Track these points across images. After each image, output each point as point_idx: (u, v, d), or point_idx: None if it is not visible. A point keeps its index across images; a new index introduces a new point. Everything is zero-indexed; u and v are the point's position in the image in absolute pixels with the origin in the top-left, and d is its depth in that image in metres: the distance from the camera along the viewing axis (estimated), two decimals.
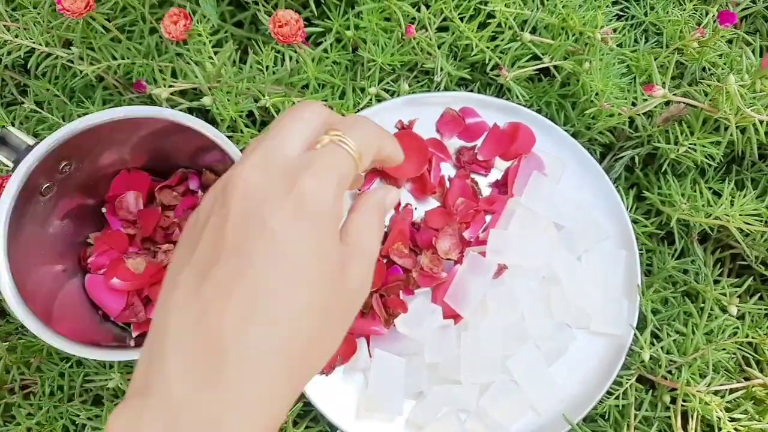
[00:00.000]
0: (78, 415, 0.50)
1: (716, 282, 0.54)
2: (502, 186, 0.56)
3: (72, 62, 0.55)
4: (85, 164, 0.46)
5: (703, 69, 0.57)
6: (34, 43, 0.54)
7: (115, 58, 0.54)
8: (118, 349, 0.43)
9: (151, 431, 0.25)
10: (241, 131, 0.53)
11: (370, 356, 0.50)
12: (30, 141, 0.42)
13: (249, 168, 0.27)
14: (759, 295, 0.55)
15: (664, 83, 0.52)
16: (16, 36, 0.53)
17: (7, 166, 0.43)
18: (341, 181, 0.28)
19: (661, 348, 0.50)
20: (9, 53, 0.54)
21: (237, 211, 0.27)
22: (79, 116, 0.44)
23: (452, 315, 0.51)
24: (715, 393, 0.49)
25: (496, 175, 0.56)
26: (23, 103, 0.57)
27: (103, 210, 0.52)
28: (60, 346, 0.41)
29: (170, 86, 0.51)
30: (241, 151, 0.46)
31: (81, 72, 0.54)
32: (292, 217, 0.26)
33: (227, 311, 0.25)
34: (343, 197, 0.29)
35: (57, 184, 0.45)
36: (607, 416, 0.51)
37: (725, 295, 0.53)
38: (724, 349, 0.51)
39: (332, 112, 0.31)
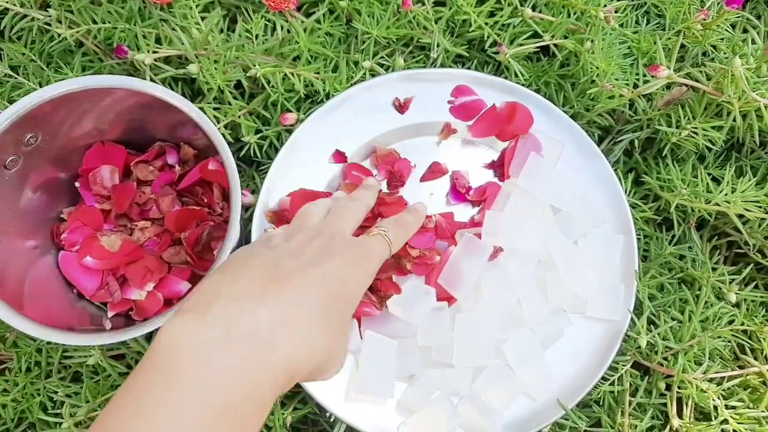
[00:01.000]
0: (56, 392, 0.48)
1: (713, 269, 0.53)
2: (499, 167, 0.54)
3: (49, 25, 0.52)
4: (54, 137, 0.44)
5: (704, 53, 0.56)
6: (7, 2, 0.51)
7: (95, 22, 0.52)
8: (94, 333, 0.41)
9: (210, 335, 0.31)
10: (229, 103, 0.51)
11: (362, 338, 0.48)
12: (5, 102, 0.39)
13: (338, 230, 0.42)
14: (755, 283, 0.55)
15: (670, 63, 0.50)
16: None
17: None
18: (382, 258, 0.43)
19: (658, 334, 0.49)
20: None
21: (321, 245, 0.39)
22: (56, 82, 0.42)
23: (446, 297, 0.49)
24: (710, 380, 0.48)
25: (492, 155, 0.55)
26: None
27: (77, 184, 0.50)
28: (32, 332, 0.38)
29: (154, 52, 0.48)
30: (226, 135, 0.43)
31: (59, 36, 0.51)
32: (353, 257, 0.40)
33: (302, 275, 0.35)
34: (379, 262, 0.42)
35: (23, 156, 0.43)
36: (601, 402, 0.50)
37: (723, 283, 0.52)
38: (720, 337, 0.50)
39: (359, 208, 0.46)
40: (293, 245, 0.38)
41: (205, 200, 0.51)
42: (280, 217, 0.49)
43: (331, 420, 0.48)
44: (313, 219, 0.44)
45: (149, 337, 0.49)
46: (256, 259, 0.36)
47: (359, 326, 0.49)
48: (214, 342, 0.31)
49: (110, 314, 0.48)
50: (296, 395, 0.49)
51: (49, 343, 0.50)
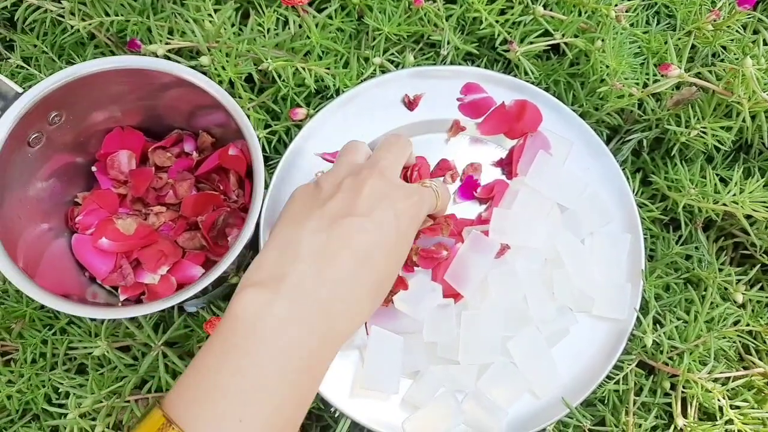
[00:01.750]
0: (61, 383, 0.48)
1: (719, 270, 0.53)
2: (507, 165, 0.54)
3: (62, 17, 0.52)
4: (77, 118, 0.44)
5: (714, 54, 0.56)
6: None
7: (108, 14, 0.52)
8: (106, 307, 0.41)
9: (281, 306, 0.35)
10: (239, 95, 0.51)
11: (367, 333, 0.48)
12: (18, 89, 0.40)
13: (385, 166, 0.43)
14: (761, 284, 0.55)
15: (680, 63, 0.50)
16: None
17: None
18: (430, 204, 0.45)
19: (663, 334, 0.49)
20: None
21: (373, 187, 0.41)
22: (90, 60, 0.42)
23: (452, 294, 0.49)
24: (715, 380, 0.49)
25: (500, 153, 0.55)
26: (9, 58, 0.54)
27: (93, 169, 0.50)
28: (44, 301, 0.39)
29: (166, 43, 0.48)
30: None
31: (72, 28, 0.52)
32: (409, 207, 0.42)
33: (348, 250, 0.38)
34: (426, 213, 0.45)
35: (46, 135, 0.43)
36: (606, 401, 0.50)
37: (729, 283, 0.52)
38: (725, 337, 0.50)
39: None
40: (345, 196, 0.40)
41: (221, 187, 0.52)
42: None
43: (336, 415, 0.48)
44: (359, 155, 0.45)
45: (156, 326, 0.49)
46: (312, 222, 0.39)
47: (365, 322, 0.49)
48: (287, 315, 0.35)
49: (122, 298, 0.48)
50: None
51: (54, 334, 0.50)
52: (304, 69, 0.51)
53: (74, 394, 0.47)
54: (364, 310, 0.40)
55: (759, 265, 0.54)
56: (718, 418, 0.47)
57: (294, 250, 0.38)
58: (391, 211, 0.40)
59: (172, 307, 0.45)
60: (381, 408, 0.48)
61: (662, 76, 0.50)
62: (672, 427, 0.49)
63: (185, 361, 0.47)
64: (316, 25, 0.51)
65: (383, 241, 0.40)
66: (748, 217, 0.51)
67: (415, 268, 0.50)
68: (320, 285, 0.37)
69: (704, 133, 0.52)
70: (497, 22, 0.54)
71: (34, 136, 0.43)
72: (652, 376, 0.51)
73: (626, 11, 0.53)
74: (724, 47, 0.55)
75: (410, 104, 0.53)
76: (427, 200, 0.44)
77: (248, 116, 0.48)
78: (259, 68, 0.50)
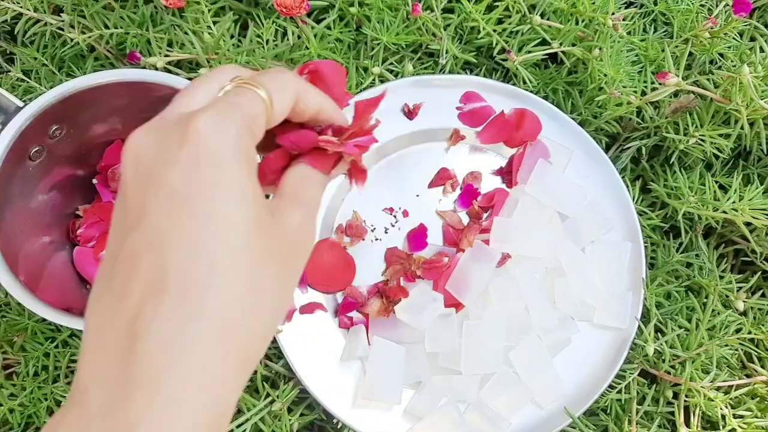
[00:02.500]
0: (64, 396, 0.48)
1: (720, 277, 0.53)
2: (507, 173, 0.54)
3: (62, 30, 0.52)
4: (77, 131, 0.44)
5: (711, 61, 0.57)
6: (21, 7, 0.51)
7: (107, 27, 0.52)
8: None
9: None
10: None
11: (369, 344, 0.48)
12: (19, 103, 0.40)
13: (142, 131, 0.25)
14: (762, 291, 0.55)
15: (677, 71, 0.50)
16: None
17: None
18: (246, 119, 0.25)
19: (665, 342, 0.49)
20: None
21: (131, 178, 0.24)
22: (92, 73, 0.42)
23: (454, 303, 0.49)
24: (718, 389, 0.48)
25: (500, 162, 0.55)
26: (9, 71, 0.54)
27: (94, 181, 0.50)
28: (46, 315, 0.39)
29: (166, 56, 0.48)
30: None
31: (71, 40, 0.52)
32: (191, 166, 0.23)
33: (134, 291, 0.22)
34: (254, 138, 0.25)
35: (47, 148, 0.43)
36: (608, 410, 0.50)
37: (730, 291, 0.52)
38: (727, 345, 0.50)
39: (245, 69, 0.28)
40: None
41: None
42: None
43: (338, 426, 0.48)
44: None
45: None
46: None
47: (366, 332, 0.49)
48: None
49: None
50: (303, 401, 0.49)
51: (56, 347, 0.50)
52: None
53: None
54: (210, 372, 0.24)
55: (760, 272, 0.54)
56: (721, 427, 0.47)
57: (81, 345, 0.24)
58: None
59: None
60: (383, 418, 0.47)
61: (660, 84, 0.50)
62: None
63: None
64: (315, 36, 0.52)
65: (192, 229, 0.24)
66: (747, 224, 0.51)
67: (417, 278, 0.50)
68: (117, 388, 0.23)
69: (703, 140, 0.52)
70: (495, 31, 0.54)
71: (35, 150, 0.43)
72: (654, 385, 0.51)
73: (623, 20, 0.53)
74: (721, 55, 0.55)
75: (410, 113, 0.54)
76: (238, 104, 0.26)
77: None
78: None
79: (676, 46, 0.55)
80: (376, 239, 0.52)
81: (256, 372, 0.47)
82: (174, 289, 0.22)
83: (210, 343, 0.22)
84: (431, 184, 0.53)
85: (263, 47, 0.51)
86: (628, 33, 0.56)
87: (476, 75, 0.56)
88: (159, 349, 0.22)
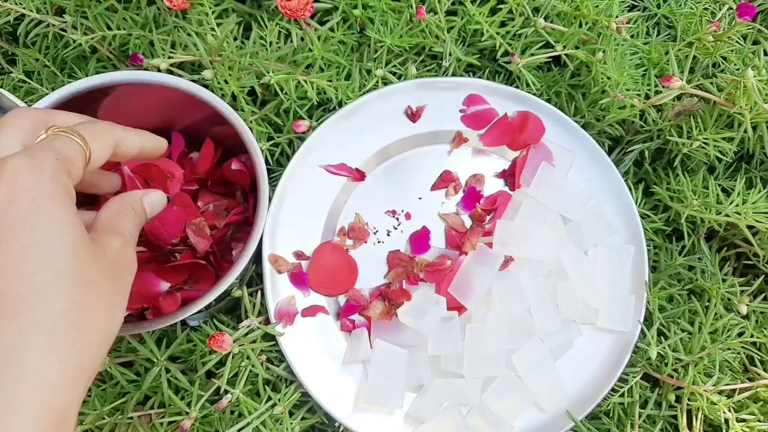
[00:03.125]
0: None
1: (723, 281, 0.53)
2: (510, 176, 0.54)
3: (64, 31, 0.52)
4: None
5: (714, 65, 0.57)
6: (24, 8, 0.51)
7: (110, 29, 0.52)
8: None
9: None
10: (242, 109, 0.51)
11: (371, 347, 0.48)
12: (21, 104, 0.40)
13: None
14: (764, 295, 0.55)
15: (681, 75, 0.50)
16: (5, 0, 0.51)
17: None
18: (63, 159, 0.28)
19: (668, 346, 0.49)
20: None
21: None
22: (100, 73, 0.42)
23: (456, 306, 0.49)
24: (720, 393, 0.48)
25: (503, 164, 0.55)
26: (11, 72, 0.54)
27: None
28: None
29: (169, 57, 0.48)
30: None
31: (74, 42, 0.52)
32: (7, 203, 0.26)
33: None
34: (72, 177, 0.29)
35: None
36: (611, 414, 0.50)
37: (733, 294, 0.52)
38: (729, 349, 0.50)
39: (48, 112, 0.33)
40: None
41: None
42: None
43: (340, 430, 0.48)
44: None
45: (159, 341, 0.49)
46: None
47: (368, 335, 0.49)
48: None
49: (125, 313, 0.48)
50: (304, 404, 0.49)
51: None
52: (306, 82, 0.51)
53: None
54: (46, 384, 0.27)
55: (763, 276, 0.54)
56: (724, 431, 0.47)
57: None
58: None
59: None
60: (385, 422, 0.47)
61: (664, 87, 0.50)
62: None
63: (188, 377, 0.47)
64: (318, 38, 0.52)
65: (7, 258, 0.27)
66: (750, 227, 0.51)
67: (419, 281, 0.50)
68: None
69: (706, 143, 0.52)
70: (498, 34, 0.54)
71: None
72: (657, 388, 0.51)
73: (627, 23, 0.53)
74: (724, 58, 0.55)
75: (413, 116, 0.53)
76: (54, 148, 0.29)
77: (251, 129, 0.48)
78: (262, 81, 0.50)
79: (680, 50, 0.55)
80: (379, 242, 0.52)
81: (257, 375, 0.47)
82: (6, 310, 0.25)
83: (44, 352, 0.25)
84: (434, 187, 0.53)
85: (267, 49, 0.51)
86: (632, 36, 0.56)
87: (479, 78, 0.56)
88: None
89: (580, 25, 0.54)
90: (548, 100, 0.55)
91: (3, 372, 0.24)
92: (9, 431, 0.24)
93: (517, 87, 0.55)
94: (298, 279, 0.49)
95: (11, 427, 0.24)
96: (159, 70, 0.48)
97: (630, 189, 0.53)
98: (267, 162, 0.53)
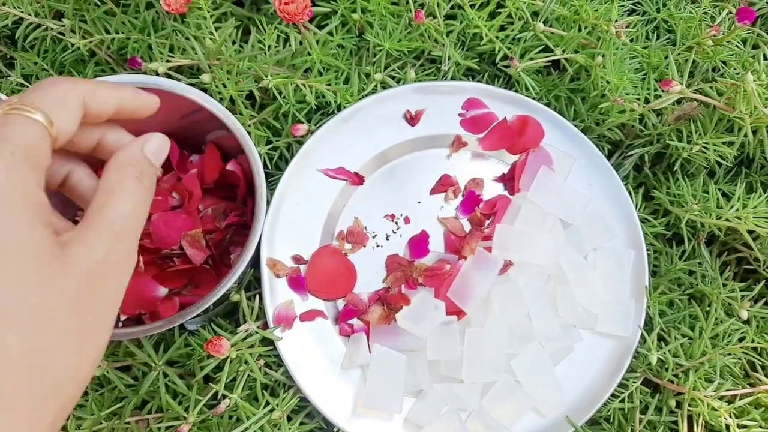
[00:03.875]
0: None
1: (723, 285, 0.53)
2: (509, 180, 0.54)
3: (63, 35, 0.52)
4: None
5: (714, 69, 0.56)
6: (22, 12, 0.51)
7: (108, 32, 0.52)
8: None
9: None
10: (240, 112, 0.51)
11: (370, 352, 0.48)
12: None
13: None
14: (765, 299, 0.54)
15: (681, 79, 0.50)
16: (3, 4, 0.51)
17: None
18: (21, 150, 0.23)
19: (668, 351, 0.49)
20: None
21: None
22: (107, 76, 0.42)
23: (455, 311, 0.49)
24: (721, 398, 0.48)
25: (502, 168, 0.55)
26: (9, 76, 0.54)
27: None
28: None
29: (167, 61, 0.48)
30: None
31: (72, 45, 0.52)
32: None
33: None
34: (37, 167, 0.24)
35: None
36: (611, 419, 0.49)
37: (734, 299, 0.52)
38: (730, 354, 0.50)
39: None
40: None
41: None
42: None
43: None
44: None
45: (156, 345, 0.48)
46: None
47: (367, 340, 0.48)
48: None
49: (122, 318, 0.48)
50: (302, 409, 0.49)
51: None
52: (304, 86, 0.51)
53: (74, 415, 0.46)
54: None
55: (763, 281, 0.54)
56: None
57: None
58: None
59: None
60: (384, 427, 0.47)
61: (663, 91, 0.50)
62: None
63: (186, 381, 0.47)
64: (317, 42, 0.51)
65: None
66: (751, 232, 0.51)
67: (418, 285, 0.50)
68: None
69: (706, 148, 0.52)
70: (497, 38, 0.54)
71: None
72: (657, 394, 0.51)
73: (626, 27, 0.53)
74: (724, 62, 0.55)
75: (412, 120, 0.53)
76: (7, 135, 0.24)
77: (249, 133, 0.47)
78: (260, 85, 0.50)
79: (679, 54, 0.55)
80: (378, 246, 0.52)
81: (255, 380, 0.47)
82: None
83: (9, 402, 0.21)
84: (433, 191, 0.53)
85: (265, 53, 0.51)
86: (631, 40, 0.55)
87: (479, 82, 0.56)
88: None
89: (580, 29, 0.54)
90: (548, 104, 0.55)
91: None
92: None
93: (516, 91, 0.55)
94: (297, 283, 0.49)
95: None
96: (157, 74, 0.48)
97: (630, 193, 0.53)
98: (265, 166, 0.53)
